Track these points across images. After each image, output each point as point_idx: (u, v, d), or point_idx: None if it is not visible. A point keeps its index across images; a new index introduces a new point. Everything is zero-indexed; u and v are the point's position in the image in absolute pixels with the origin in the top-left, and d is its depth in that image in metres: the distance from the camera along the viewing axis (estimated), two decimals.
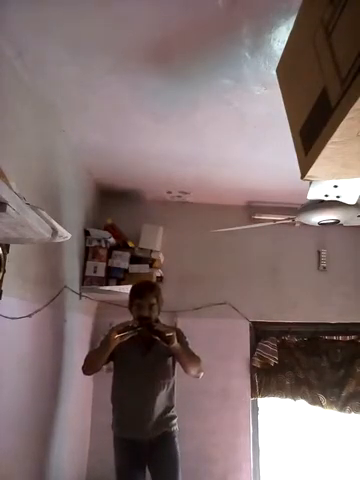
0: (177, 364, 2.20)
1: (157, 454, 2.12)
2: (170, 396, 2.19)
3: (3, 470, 1.64)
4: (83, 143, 2.41)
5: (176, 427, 2.20)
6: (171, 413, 2.18)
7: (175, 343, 2.06)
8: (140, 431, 2.10)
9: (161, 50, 1.60)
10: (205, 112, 2.02)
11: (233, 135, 2.23)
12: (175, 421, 2.20)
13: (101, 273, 2.76)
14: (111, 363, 2.22)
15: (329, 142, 0.90)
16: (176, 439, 2.17)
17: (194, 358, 2.16)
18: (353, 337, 3.04)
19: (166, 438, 2.15)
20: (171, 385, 2.20)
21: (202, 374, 2.18)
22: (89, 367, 2.17)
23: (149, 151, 2.48)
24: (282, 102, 1.18)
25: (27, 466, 1.86)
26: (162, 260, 3.05)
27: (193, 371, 2.15)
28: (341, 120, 0.84)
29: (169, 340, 2.05)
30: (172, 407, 2.20)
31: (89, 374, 2.26)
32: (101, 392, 2.80)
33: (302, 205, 2.25)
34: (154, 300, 2.19)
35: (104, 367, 2.25)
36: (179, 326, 2.62)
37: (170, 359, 2.19)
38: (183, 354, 2.13)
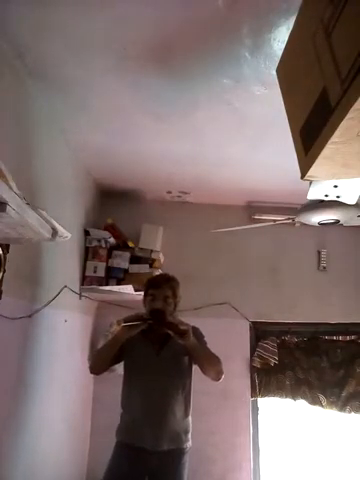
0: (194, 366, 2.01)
1: (163, 474, 1.90)
2: (186, 401, 1.97)
3: (3, 470, 1.65)
4: (83, 143, 2.41)
5: (190, 443, 1.97)
6: (186, 423, 1.96)
7: (191, 339, 1.84)
8: (151, 441, 1.87)
9: (161, 50, 1.60)
10: (205, 112, 2.02)
11: (233, 135, 2.23)
12: (190, 435, 1.97)
13: (101, 273, 2.76)
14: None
15: (329, 142, 0.90)
16: (187, 458, 1.95)
17: (214, 358, 1.93)
18: (353, 337, 3.04)
19: (177, 456, 1.91)
20: (188, 388, 1.99)
21: (223, 376, 1.93)
22: (97, 365, 2.01)
23: (149, 151, 2.48)
24: (282, 102, 1.18)
25: (27, 466, 1.86)
26: (162, 260, 3.05)
27: (213, 372, 1.92)
28: (341, 120, 0.84)
29: (183, 335, 1.81)
30: (188, 414, 1.98)
31: (97, 373, 2.05)
32: (101, 392, 2.81)
33: (302, 205, 2.25)
34: (169, 293, 2.00)
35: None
36: None
37: (186, 359, 1.98)
38: (201, 353, 1.93)
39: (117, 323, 1.86)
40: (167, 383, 1.93)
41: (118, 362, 2.00)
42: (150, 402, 1.90)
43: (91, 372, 2.02)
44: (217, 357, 1.94)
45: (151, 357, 1.95)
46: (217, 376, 1.93)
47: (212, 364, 1.92)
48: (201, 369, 1.94)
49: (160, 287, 2.01)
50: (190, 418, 1.99)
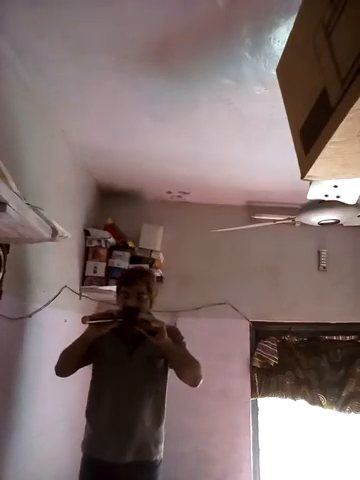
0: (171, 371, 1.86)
1: None
2: (159, 408, 1.78)
3: (2, 470, 1.64)
4: (83, 143, 2.41)
5: (161, 455, 1.77)
6: (158, 433, 1.77)
7: (165, 338, 1.67)
8: (116, 451, 1.67)
9: (161, 50, 1.60)
10: (205, 112, 2.02)
11: (233, 135, 2.23)
12: (161, 446, 1.78)
13: (101, 273, 2.76)
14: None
15: (329, 142, 0.90)
16: (159, 472, 1.75)
17: (191, 361, 1.77)
18: (353, 337, 3.04)
19: (146, 471, 1.72)
20: (161, 394, 1.81)
21: (201, 382, 1.76)
22: (62, 365, 1.76)
23: (149, 151, 2.48)
24: (282, 102, 1.18)
25: (26, 466, 1.86)
26: (162, 260, 3.05)
27: (189, 377, 1.75)
28: (341, 120, 0.84)
29: (156, 333, 1.65)
30: (160, 424, 1.78)
31: (62, 374, 1.79)
32: None
33: (302, 205, 2.26)
34: (144, 288, 1.83)
35: None
36: (179, 326, 2.59)
37: (162, 361, 1.82)
38: (176, 354, 1.76)
39: (82, 320, 1.65)
40: (139, 387, 1.75)
41: (87, 364, 1.84)
42: (118, 407, 1.72)
43: (56, 374, 1.78)
44: (195, 360, 1.77)
45: (122, 358, 1.78)
46: (194, 381, 1.75)
47: (188, 367, 1.76)
48: (176, 373, 1.79)
49: (133, 284, 1.84)
50: (163, 428, 1.80)
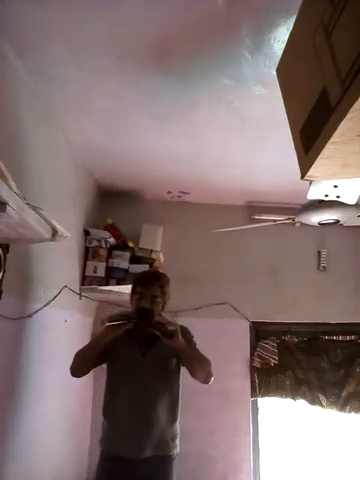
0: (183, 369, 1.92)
1: None
2: (174, 405, 1.86)
3: (2, 470, 1.65)
4: (83, 143, 2.41)
5: (178, 449, 1.86)
6: (173, 429, 1.85)
7: (179, 340, 1.73)
8: (135, 448, 1.75)
9: (161, 50, 1.60)
10: (205, 112, 2.02)
11: (233, 135, 2.23)
12: (177, 441, 1.87)
13: (101, 273, 2.76)
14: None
15: (329, 142, 0.90)
16: (175, 465, 1.84)
17: (203, 360, 1.83)
18: (353, 337, 3.04)
19: (164, 464, 1.81)
20: (175, 391, 1.88)
21: (212, 379, 1.84)
22: (78, 366, 1.82)
23: (149, 151, 2.48)
24: (282, 102, 1.18)
25: (26, 466, 1.86)
26: (162, 260, 3.04)
27: (202, 375, 1.82)
28: (341, 120, 0.84)
29: (172, 335, 1.72)
30: (176, 420, 1.86)
31: (78, 375, 1.86)
32: (101, 392, 2.79)
33: (302, 205, 2.26)
34: (158, 291, 1.88)
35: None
36: None
37: (174, 360, 1.88)
38: (190, 354, 1.83)
39: (101, 322, 1.74)
40: (153, 386, 1.82)
41: (101, 364, 1.89)
42: (135, 406, 1.79)
43: (72, 374, 1.83)
44: (207, 359, 1.85)
45: (137, 358, 1.84)
46: (206, 379, 1.83)
47: (202, 366, 1.83)
48: (190, 371, 1.85)
49: (149, 285, 1.89)
50: (178, 424, 1.88)
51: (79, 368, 1.84)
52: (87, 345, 1.87)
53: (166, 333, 1.72)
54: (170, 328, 1.73)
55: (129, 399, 1.80)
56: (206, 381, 1.84)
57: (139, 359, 1.84)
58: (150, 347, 1.86)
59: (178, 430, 1.88)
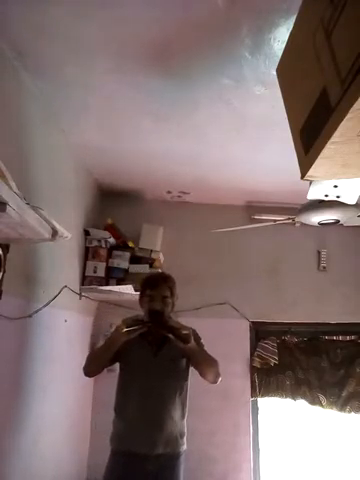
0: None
1: (162, 479, 1.86)
2: (183, 404, 1.94)
3: (3, 470, 1.65)
4: (83, 143, 2.41)
5: (185, 446, 1.94)
6: (182, 427, 1.94)
7: (192, 342, 1.81)
8: (147, 445, 1.83)
9: (161, 50, 1.60)
10: (205, 112, 2.02)
11: (233, 135, 2.23)
12: (185, 439, 1.95)
13: (101, 273, 2.76)
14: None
15: (329, 142, 0.90)
16: (182, 461, 1.92)
17: (212, 361, 1.92)
18: (353, 337, 3.04)
19: (174, 460, 1.89)
20: (185, 390, 1.95)
21: (220, 379, 1.93)
22: (91, 367, 1.92)
23: (149, 151, 2.48)
24: (282, 102, 1.18)
25: (26, 466, 1.86)
26: (162, 260, 3.05)
27: (211, 375, 1.90)
28: (341, 120, 0.84)
29: (185, 338, 1.79)
30: (184, 418, 1.95)
31: (91, 375, 1.98)
32: (101, 392, 2.80)
33: (302, 205, 2.25)
34: (168, 293, 1.96)
35: None
36: None
37: (184, 361, 1.95)
38: (200, 356, 1.90)
39: (117, 329, 1.81)
40: (165, 385, 1.90)
41: (113, 364, 1.96)
42: (147, 405, 1.86)
43: (85, 375, 1.92)
44: (215, 359, 1.92)
45: (148, 359, 1.91)
46: (215, 379, 1.92)
47: (211, 367, 1.90)
48: (199, 372, 1.92)
49: (158, 287, 1.96)
50: (185, 421, 1.96)
51: (93, 369, 1.93)
52: (100, 348, 1.96)
53: (180, 337, 1.79)
54: (184, 332, 1.79)
55: (141, 398, 1.87)
56: (215, 381, 1.92)
57: (150, 359, 1.92)
58: (161, 348, 1.93)
59: (185, 427, 1.96)
